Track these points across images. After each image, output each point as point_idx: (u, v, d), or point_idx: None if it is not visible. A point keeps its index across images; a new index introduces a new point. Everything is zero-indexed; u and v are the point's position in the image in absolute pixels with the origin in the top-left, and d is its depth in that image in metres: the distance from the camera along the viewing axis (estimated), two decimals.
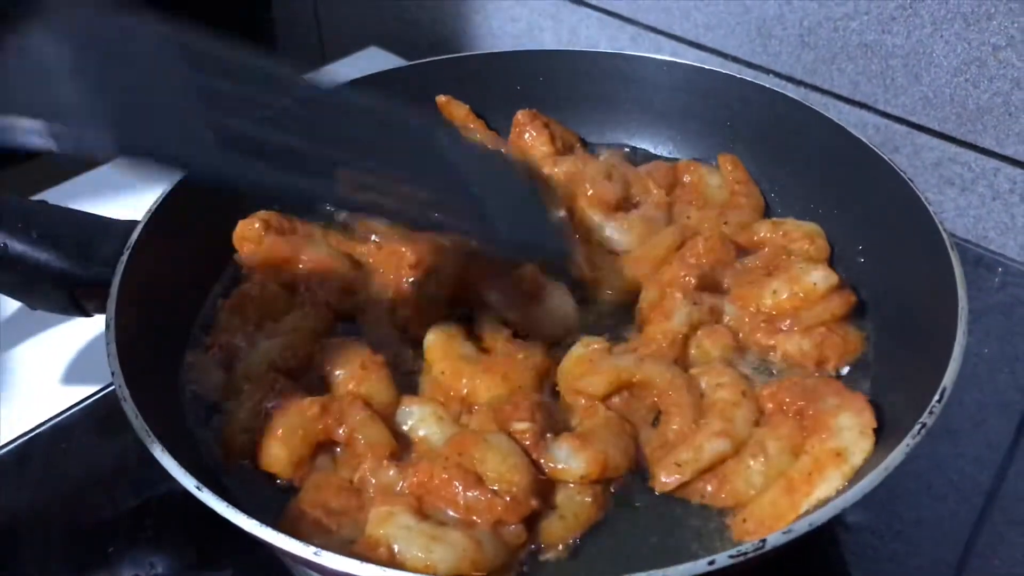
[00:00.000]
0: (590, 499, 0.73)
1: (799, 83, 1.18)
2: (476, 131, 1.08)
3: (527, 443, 0.74)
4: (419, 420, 0.79)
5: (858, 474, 0.71)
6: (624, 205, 0.99)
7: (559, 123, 1.08)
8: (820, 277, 0.86)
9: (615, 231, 0.97)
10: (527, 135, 1.05)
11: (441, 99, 1.09)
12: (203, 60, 0.72)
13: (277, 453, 0.75)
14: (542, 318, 0.88)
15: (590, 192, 0.98)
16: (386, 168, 0.75)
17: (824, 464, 0.72)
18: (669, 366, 0.82)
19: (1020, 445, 0.89)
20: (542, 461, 0.74)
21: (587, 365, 0.83)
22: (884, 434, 0.73)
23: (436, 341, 0.85)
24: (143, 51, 0.69)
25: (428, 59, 1.11)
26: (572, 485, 0.74)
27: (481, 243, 0.83)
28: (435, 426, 0.78)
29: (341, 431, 0.76)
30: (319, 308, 0.88)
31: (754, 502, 0.73)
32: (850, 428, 0.73)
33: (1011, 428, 0.90)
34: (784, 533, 0.60)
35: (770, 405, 0.79)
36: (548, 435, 0.76)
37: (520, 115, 1.06)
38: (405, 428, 0.79)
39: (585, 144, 1.10)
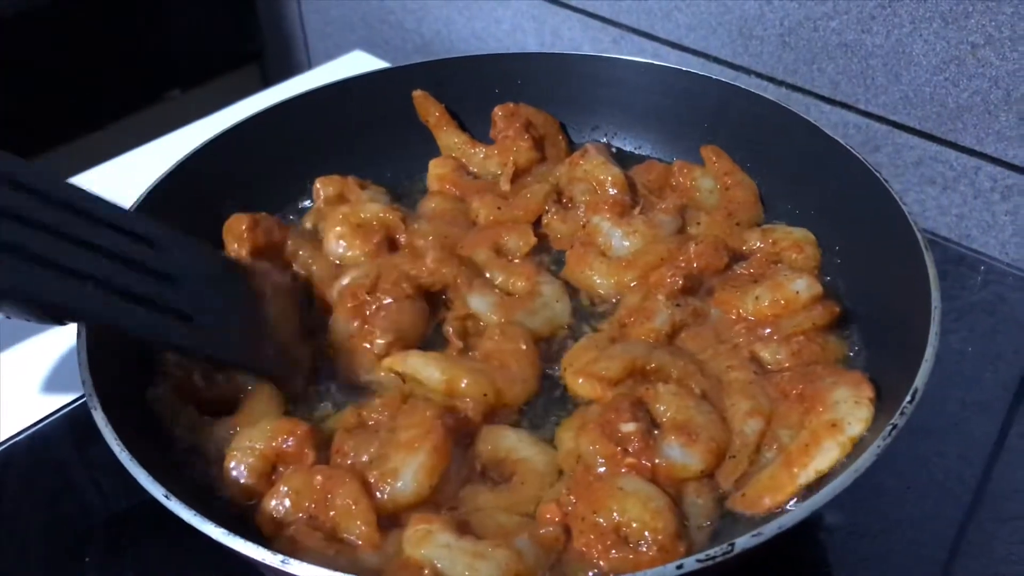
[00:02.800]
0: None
1: (780, 83, 1.17)
2: (450, 132, 1.08)
3: (636, 445, 0.73)
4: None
5: (858, 446, 0.71)
6: (631, 210, 0.99)
7: (539, 109, 1.08)
8: (803, 286, 0.86)
9: (625, 239, 0.96)
10: (506, 136, 1.05)
11: (418, 94, 1.08)
12: None
13: (271, 509, 0.73)
14: (535, 312, 0.88)
15: (601, 200, 0.99)
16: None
17: (820, 436, 0.72)
18: (680, 352, 0.83)
19: (1005, 443, 0.89)
20: (656, 461, 0.73)
21: (595, 352, 0.83)
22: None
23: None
24: None
25: (409, 63, 1.11)
26: (691, 488, 0.73)
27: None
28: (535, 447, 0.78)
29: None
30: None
31: (754, 477, 0.74)
32: (845, 400, 0.74)
33: (995, 426, 0.90)
34: (753, 536, 0.60)
35: (775, 394, 0.79)
36: (655, 432, 0.75)
37: (497, 113, 1.06)
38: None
39: (565, 132, 1.10)
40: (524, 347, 0.84)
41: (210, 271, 0.87)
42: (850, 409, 0.73)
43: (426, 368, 0.81)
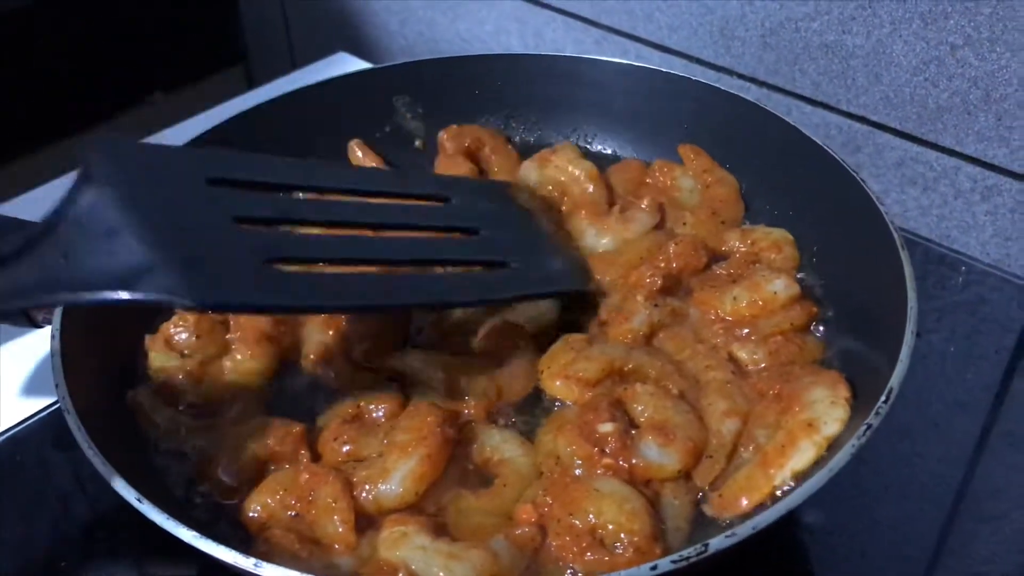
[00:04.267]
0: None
1: (762, 84, 1.18)
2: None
3: (613, 446, 0.73)
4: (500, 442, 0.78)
5: (834, 445, 0.71)
6: (609, 210, 0.99)
7: (491, 131, 1.08)
8: (781, 286, 0.86)
9: (600, 237, 0.96)
10: (447, 160, 1.05)
11: (353, 143, 1.07)
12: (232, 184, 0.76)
13: (255, 506, 0.73)
14: (521, 313, 0.88)
15: (576, 198, 0.99)
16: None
17: (796, 436, 0.72)
18: (658, 353, 0.83)
19: (986, 442, 0.89)
20: (633, 462, 0.73)
21: (573, 354, 0.83)
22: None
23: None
24: (179, 189, 0.72)
25: (389, 64, 1.11)
26: (668, 489, 0.73)
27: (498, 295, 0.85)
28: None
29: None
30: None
31: (731, 477, 0.73)
32: (821, 400, 0.74)
33: (977, 425, 0.90)
34: (727, 537, 0.60)
35: (752, 394, 0.79)
36: (633, 432, 0.75)
37: (443, 136, 1.06)
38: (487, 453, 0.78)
39: (513, 144, 1.10)
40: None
41: (496, 206, 0.91)
42: (826, 409, 0.73)
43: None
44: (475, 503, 0.74)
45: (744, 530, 0.61)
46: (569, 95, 1.08)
